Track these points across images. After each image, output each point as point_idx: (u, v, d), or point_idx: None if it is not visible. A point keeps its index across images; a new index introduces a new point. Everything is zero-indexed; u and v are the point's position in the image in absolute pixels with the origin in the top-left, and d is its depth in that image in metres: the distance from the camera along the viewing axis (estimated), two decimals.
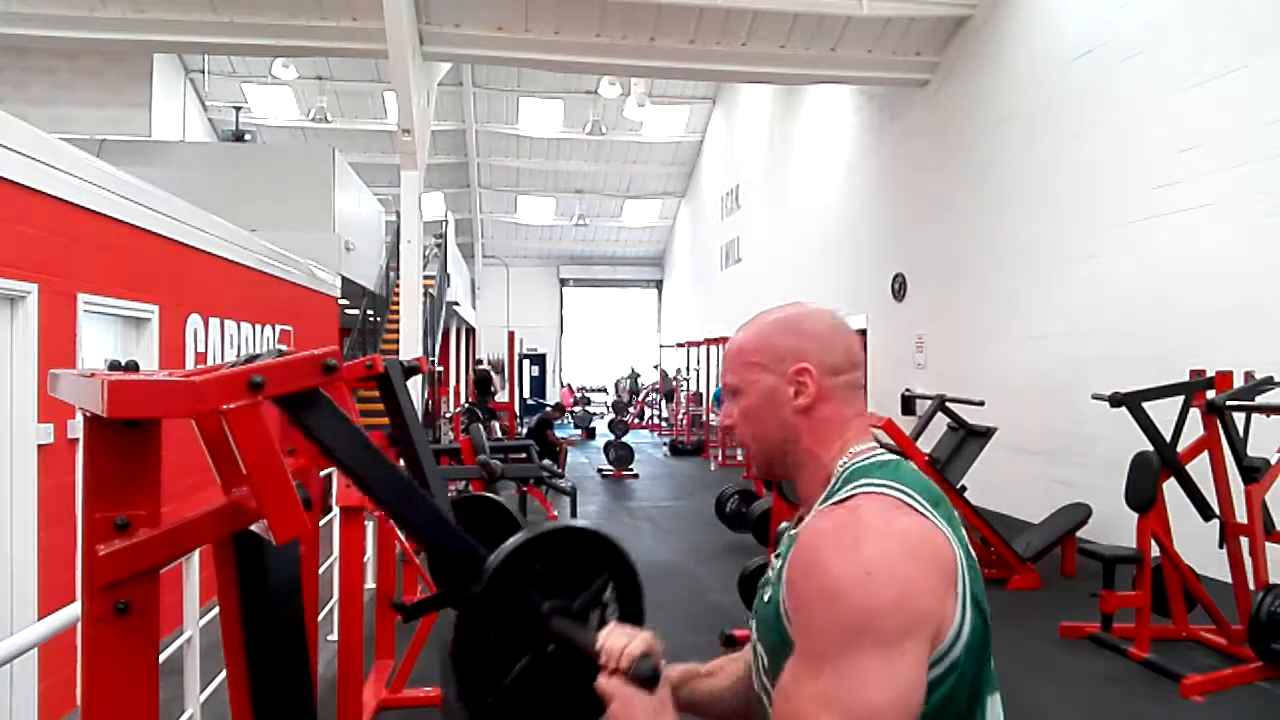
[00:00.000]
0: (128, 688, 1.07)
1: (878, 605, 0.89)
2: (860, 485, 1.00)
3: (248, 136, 15.92)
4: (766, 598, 1.08)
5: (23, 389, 3.58)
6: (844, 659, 0.89)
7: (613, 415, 15.65)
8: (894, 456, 1.07)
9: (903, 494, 0.97)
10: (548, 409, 13.10)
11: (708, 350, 15.92)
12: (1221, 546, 4.55)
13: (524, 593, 1.23)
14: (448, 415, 13.62)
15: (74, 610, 2.02)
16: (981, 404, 6.76)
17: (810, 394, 1.08)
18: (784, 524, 1.32)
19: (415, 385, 10.21)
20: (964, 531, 1.01)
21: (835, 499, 1.01)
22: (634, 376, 24.61)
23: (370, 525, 4.67)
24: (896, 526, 0.94)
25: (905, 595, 0.90)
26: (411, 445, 1.58)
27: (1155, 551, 4.65)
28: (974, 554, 1.01)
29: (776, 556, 1.11)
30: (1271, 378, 4.72)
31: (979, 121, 9.45)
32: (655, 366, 20.49)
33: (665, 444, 16.56)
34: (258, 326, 6.57)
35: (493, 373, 14.82)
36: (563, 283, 28.51)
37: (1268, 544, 4.32)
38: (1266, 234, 5.83)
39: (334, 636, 4.37)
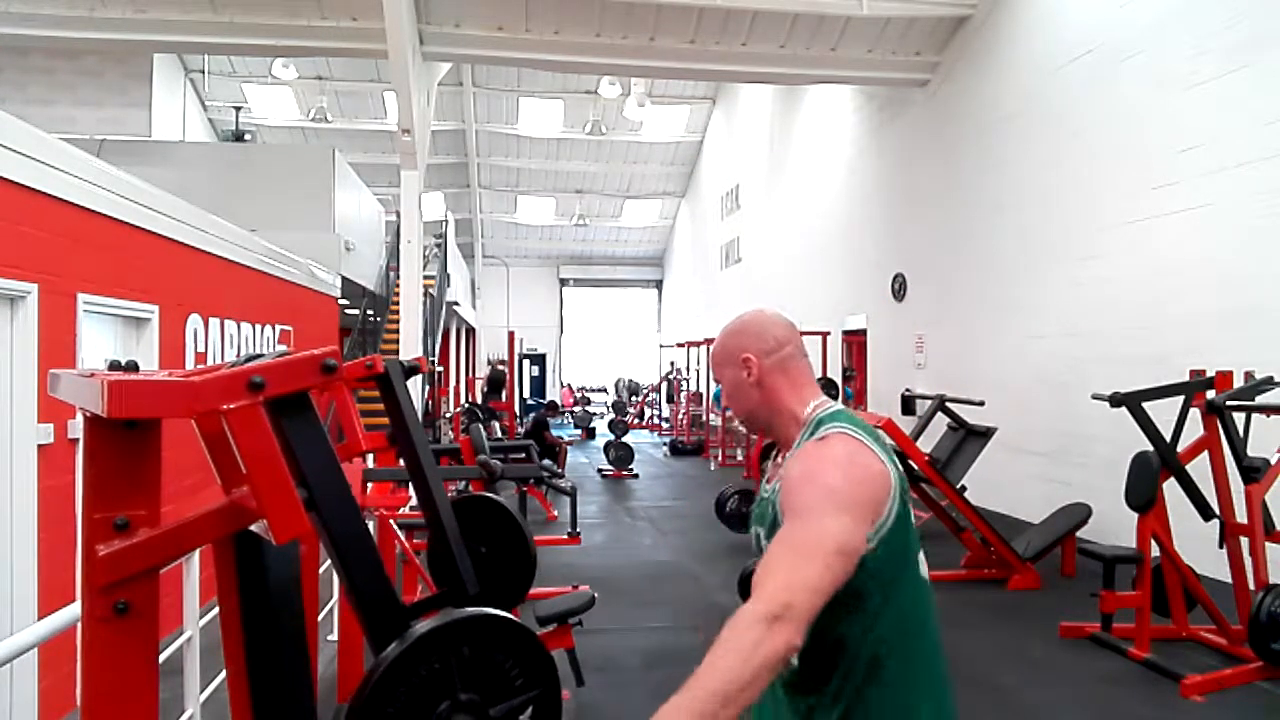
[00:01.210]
0: (128, 688, 1.07)
1: (836, 487, 1.32)
2: (831, 427, 1.43)
3: (248, 136, 15.92)
4: (763, 508, 1.51)
5: (23, 389, 3.58)
6: (807, 516, 1.29)
7: (612, 415, 15.65)
8: (838, 405, 1.53)
9: (858, 435, 1.41)
10: (543, 408, 13.08)
11: (708, 350, 15.92)
12: (1221, 546, 4.55)
13: (447, 673, 1.18)
14: (448, 415, 13.62)
15: (74, 610, 2.02)
16: (981, 404, 6.76)
17: (755, 373, 1.52)
18: (767, 462, 1.70)
19: (415, 385, 10.21)
20: (894, 459, 1.43)
21: (816, 437, 1.43)
22: (619, 385, 24.55)
23: (370, 525, 4.67)
24: (856, 453, 1.38)
25: (854, 488, 1.33)
26: (411, 445, 1.58)
27: (1155, 551, 4.65)
28: (903, 475, 1.44)
29: (767, 483, 1.55)
30: (1271, 378, 4.71)
31: (979, 121, 9.46)
32: (671, 370, 20.52)
33: (665, 444, 16.57)
34: (258, 326, 6.57)
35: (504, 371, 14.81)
36: (563, 283, 28.50)
37: (1268, 544, 4.32)
38: (1266, 234, 5.83)
39: (334, 636, 4.37)
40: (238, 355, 4.69)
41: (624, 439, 13.14)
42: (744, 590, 5.12)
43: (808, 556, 1.23)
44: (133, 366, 4.49)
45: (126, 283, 4.55)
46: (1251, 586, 4.34)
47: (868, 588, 1.35)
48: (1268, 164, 5.83)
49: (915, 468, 6.28)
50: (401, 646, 1.16)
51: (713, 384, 15.83)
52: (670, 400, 20.13)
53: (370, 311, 12.75)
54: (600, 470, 12.61)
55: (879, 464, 1.37)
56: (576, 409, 21.56)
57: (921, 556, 1.45)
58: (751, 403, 1.55)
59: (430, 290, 13.05)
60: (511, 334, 15.05)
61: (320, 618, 4.21)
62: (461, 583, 1.55)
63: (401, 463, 1.68)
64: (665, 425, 20.18)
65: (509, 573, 1.94)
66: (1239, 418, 4.64)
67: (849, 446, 1.38)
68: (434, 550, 1.78)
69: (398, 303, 11.56)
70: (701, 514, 8.54)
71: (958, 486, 6.31)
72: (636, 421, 19.39)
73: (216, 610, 1.43)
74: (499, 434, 11.64)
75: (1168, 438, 4.63)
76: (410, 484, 2.47)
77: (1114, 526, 6.24)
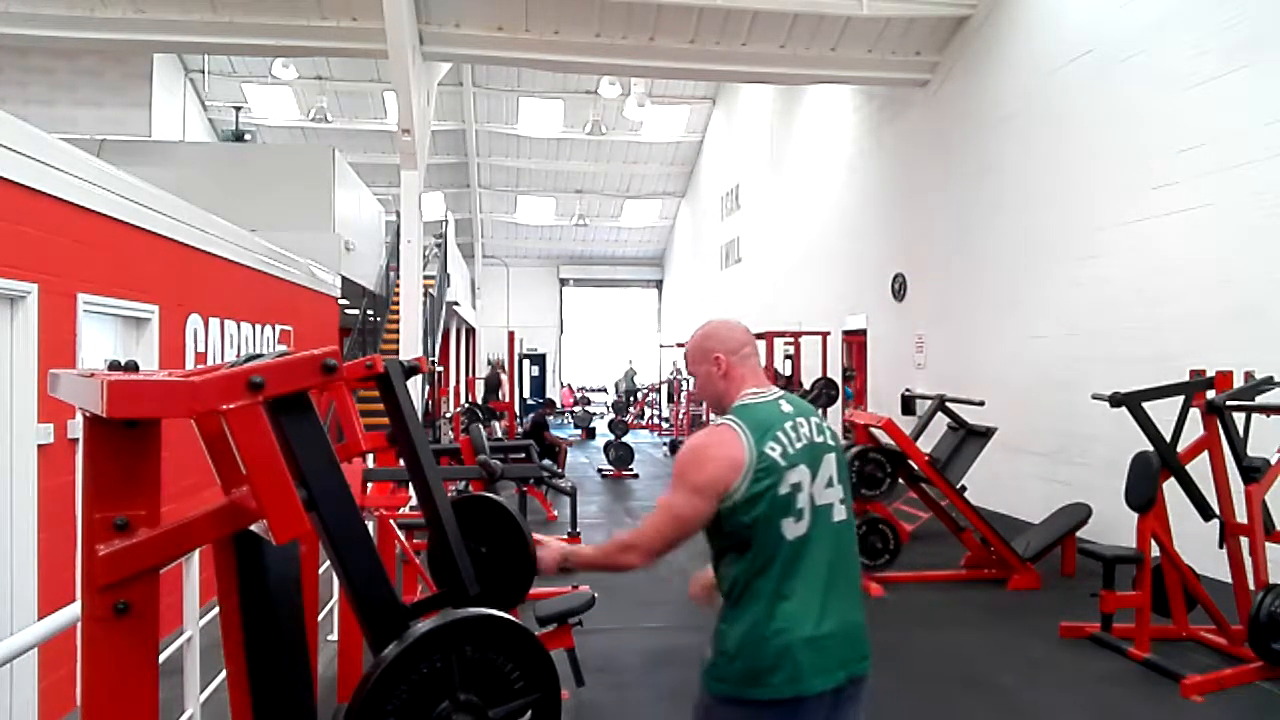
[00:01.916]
0: (128, 688, 1.07)
1: (688, 473, 1.88)
2: (726, 418, 1.93)
3: (248, 136, 15.92)
4: None
5: (23, 389, 3.58)
6: (670, 490, 1.91)
7: (612, 415, 15.65)
8: (755, 401, 1.95)
9: (735, 424, 1.88)
10: (541, 408, 13.08)
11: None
12: (1221, 546, 4.55)
13: (448, 672, 1.18)
14: (448, 415, 13.61)
15: (74, 610, 2.02)
16: (981, 404, 6.76)
17: (724, 368, 2.01)
18: None
19: (415, 385, 10.21)
20: (791, 435, 1.89)
21: (715, 423, 1.94)
22: (630, 375, 24.58)
23: (370, 525, 4.67)
24: (716, 444, 1.87)
25: (698, 473, 1.86)
26: (411, 445, 1.58)
27: (1155, 551, 4.65)
28: (790, 451, 1.87)
29: None
30: (1271, 378, 4.71)
31: (979, 121, 9.46)
32: (672, 371, 20.56)
33: (665, 444, 16.57)
34: (258, 326, 6.56)
35: (502, 374, 14.79)
36: (563, 283, 28.50)
37: (1268, 544, 4.32)
38: (1266, 234, 5.83)
39: (334, 636, 4.37)
40: (237, 355, 4.69)
41: (624, 439, 13.14)
42: None
43: (662, 520, 1.91)
44: (133, 366, 4.49)
45: (126, 283, 4.54)
46: (1251, 586, 4.34)
47: (738, 538, 1.85)
48: (1268, 164, 5.83)
49: (915, 468, 6.28)
50: (400, 647, 1.16)
51: None
52: (671, 400, 20.14)
53: (370, 311, 12.74)
54: (600, 470, 12.61)
55: (733, 451, 1.84)
56: (576, 409, 21.55)
57: (789, 521, 1.84)
58: (718, 391, 2.03)
59: (430, 290, 13.05)
60: (511, 334, 15.05)
61: (320, 618, 4.21)
62: (461, 583, 1.55)
63: (401, 463, 1.68)
64: (665, 425, 20.18)
65: (509, 573, 1.94)
66: (1239, 418, 4.64)
67: (716, 437, 1.88)
68: (434, 550, 1.78)
69: (398, 303, 11.56)
70: None
71: (958, 486, 6.31)
72: (636, 421, 19.40)
73: (216, 610, 1.43)
74: (499, 434, 11.64)
75: (1168, 438, 4.63)
76: (410, 484, 2.47)
77: (1114, 526, 6.24)
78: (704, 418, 16.04)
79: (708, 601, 2.06)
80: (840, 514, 1.91)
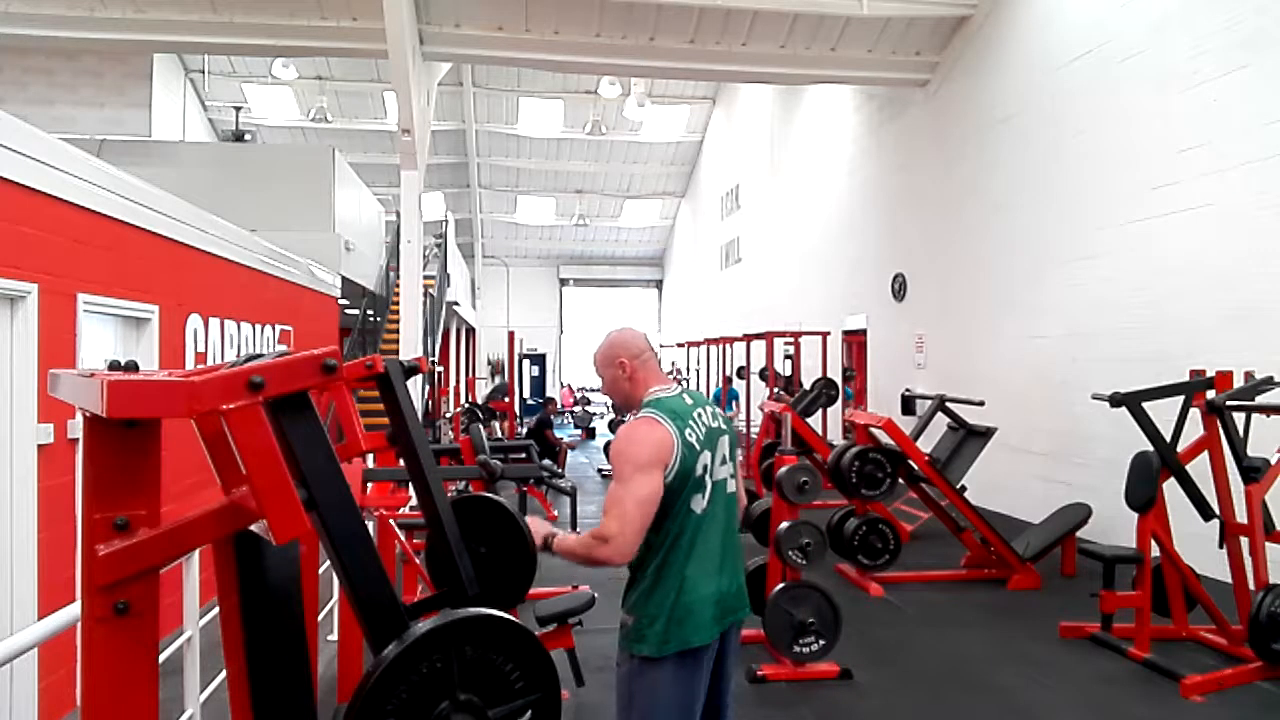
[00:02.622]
0: (128, 688, 1.07)
1: (632, 455, 2.12)
2: (643, 411, 2.22)
3: (248, 136, 15.91)
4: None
5: (23, 389, 3.58)
6: (624, 477, 2.12)
7: (612, 415, 15.65)
8: (664, 395, 2.25)
9: (655, 414, 2.17)
10: (544, 407, 13.08)
11: (708, 350, 15.92)
12: (1221, 546, 4.55)
13: (448, 672, 1.18)
14: (448, 415, 13.61)
15: (74, 610, 2.02)
16: (981, 404, 6.75)
17: (629, 371, 2.31)
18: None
19: (415, 385, 10.20)
20: (698, 422, 2.20)
21: (636, 416, 2.22)
22: None
23: (370, 525, 4.67)
24: (646, 429, 2.15)
25: (642, 450, 2.11)
26: (411, 445, 1.57)
27: (1155, 551, 4.65)
28: (700, 438, 2.18)
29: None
30: (1271, 378, 4.71)
31: (979, 121, 9.46)
32: (672, 371, 20.59)
33: None
34: (258, 326, 6.56)
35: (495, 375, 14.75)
36: (563, 283, 28.50)
37: (1268, 544, 4.32)
38: (1266, 234, 5.83)
39: (334, 636, 4.37)
40: (237, 355, 4.69)
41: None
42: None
43: (625, 507, 2.07)
44: (133, 366, 4.49)
45: (126, 283, 4.54)
46: (1251, 586, 4.34)
47: (661, 515, 2.12)
48: (1268, 164, 5.83)
49: (915, 468, 6.28)
50: (400, 647, 1.16)
51: (713, 384, 15.85)
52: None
53: (370, 311, 12.74)
54: (600, 470, 12.61)
55: (662, 432, 2.12)
56: (576, 409, 21.56)
57: (697, 497, 2.16)
58: (624, 391, 2.33)
59: (430, 290, 13.05)
60: (511, 334, 15.05)
61: (320, 618, 4.20)
62: (461, 583, 1.55)
63: (401, 463, 1.68)
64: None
65: (509, 573, 1.93)
66: (1239, 418, 4.64)
67: (644, 425, 2.15)
68: (433, 550, 1.78)
69: (398, 303, 11.55)
70: None
71: (958, 486, 6.31)
72: None
73: (216, 610, 1.43)
74: (499, 434, 11.64)
75: (1168, 438, 4.63)
76: (410, 484, 2.47)
77: (1114, 526, 6.24)
78: None
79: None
80: (730, 487, 2.27)
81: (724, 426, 2.30)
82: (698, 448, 2.16)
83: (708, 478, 2.18)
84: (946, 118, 10.18)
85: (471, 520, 1.88)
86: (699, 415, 2.22)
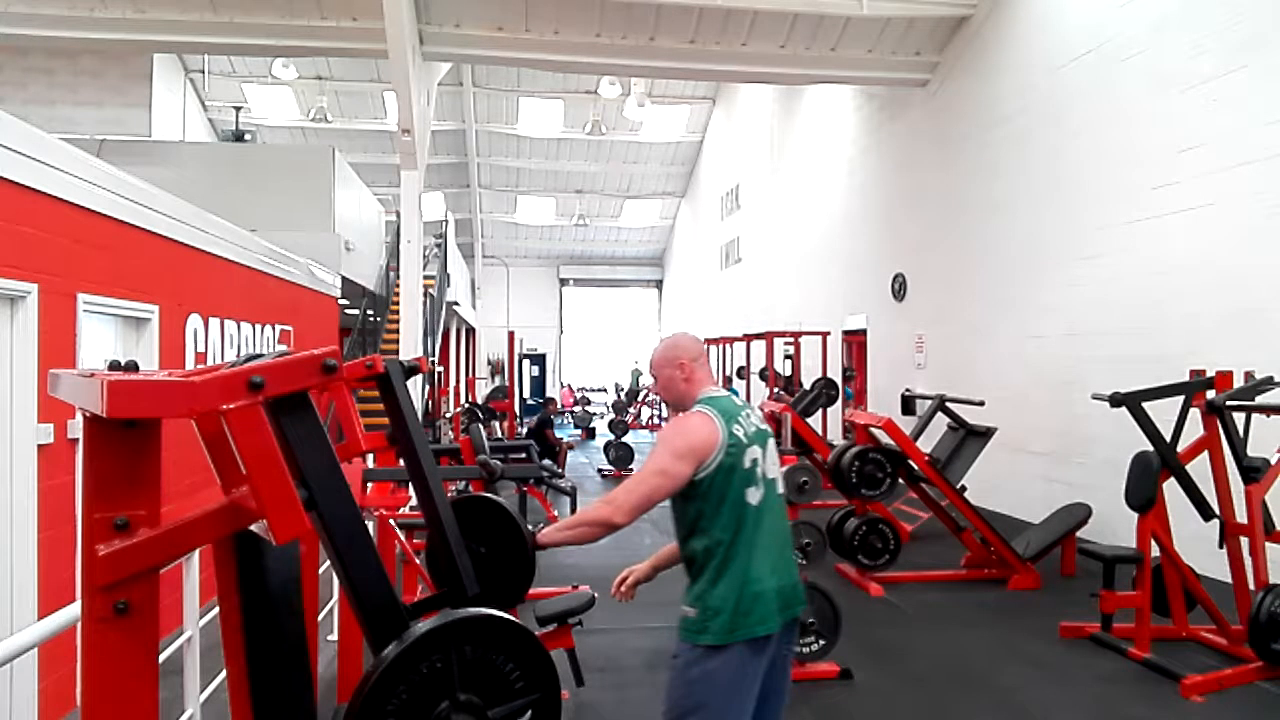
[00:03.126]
0: (128, 688, 1.07)
1: (672, 441, 2.26)
2: (697, 407, 2.32)
3: (248, 136, 15.90)
4: None
5: (23, 389, 3.58)
6: (652, 457, 2.27)
7: (612, 415, 15.65)
8: (717, 395, 2.37)
9: (709, 411, 2.28)
10: (544, 407, 13.08)
11: (708, 350, 15.94)
12: (1221, 546, 4.55)
13: (448, 672, 1.18)
14: (448, 415, 13.61)
15: (74, 610, 2.02)
16: (981, 404, 6.75)
17: (687, 372, 2.44)
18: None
19: (415, 385, 10.21)
20: (746, 421, 2.32)
21: (690, 411, 2.34)
22: (636, 375, 24.56)
23: (370, 525, 4.67)
24: (697, 424, 2.26)
25: (682, 441, 2.24)
26: (411, 446, 1.57)
27: (1155, 551, 4.65)
28: (748, 434, 2.29)
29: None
30: (1271, 378, 4.71)
31: (979, 121, 9.45)
32: None
33: None
34: (258, 326, 6.56)
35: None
36: (563, 283, 28.49)
37: (1268, 544, 4.32)
38: (1266, 234, 5.83)
39: (334, 636, 4.37)
40: (238, 355, 4.69)
41: (624, 439, 13.14)
42: None
43: (641, 478, 2.24)
44: (133, 366, 4.49)
45: (126, 283, 4.54)
46: (1251, 586, 4.34)
47: (713, 504, 2.22)
48: (1268, 164, 5.83)
49: (915, 468, 6.28)
50: (400, 647, 1.16)
51: None
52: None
53: (370, 311, 12.74)
54: (600, 470, 12.60)
55: (710, 429, 2.23)
56: (576, 409, 21.55)
57: (752, 490, 2.24)
58: (680, 391, 2.44)
59: (430, 290, 13.04)
60: (511, 334, 15.05)
61: (320, 618, 4.21)
62: (461, 583, 1.55)
63: (401, 463, 1.67)
64: (665, 425, 20.17)
65: (508, 573, 1.93)
66: (1239, 418, 4.64)
67: (695, 420, 2.27)
68: (433, 551, 1.78)
69: (398, 303, 11.55)
70: None
71: (958, 486, 6.31)
72: (636, 421, 19.40)
73: (216, 610, 1.43)
74: (499, 434, 11.63)
75: (1168, 438, 4.63)
76: (410, 484, 2.47)
77: (1114, 526, 6.24)
78: None
79: (627, 597, 2.55)
80: (780, 487, 2.36)
81: (768, 431, 2.41)
82: (745, 441, 2.26)
83: (759, 471, 2.27)
84: (946, 118, 10.18)
85: (471, 520, 1.88)
86: (747, 415, 2.34)
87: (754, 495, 2.25)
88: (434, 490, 1.57)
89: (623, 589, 2.56)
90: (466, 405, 13.08)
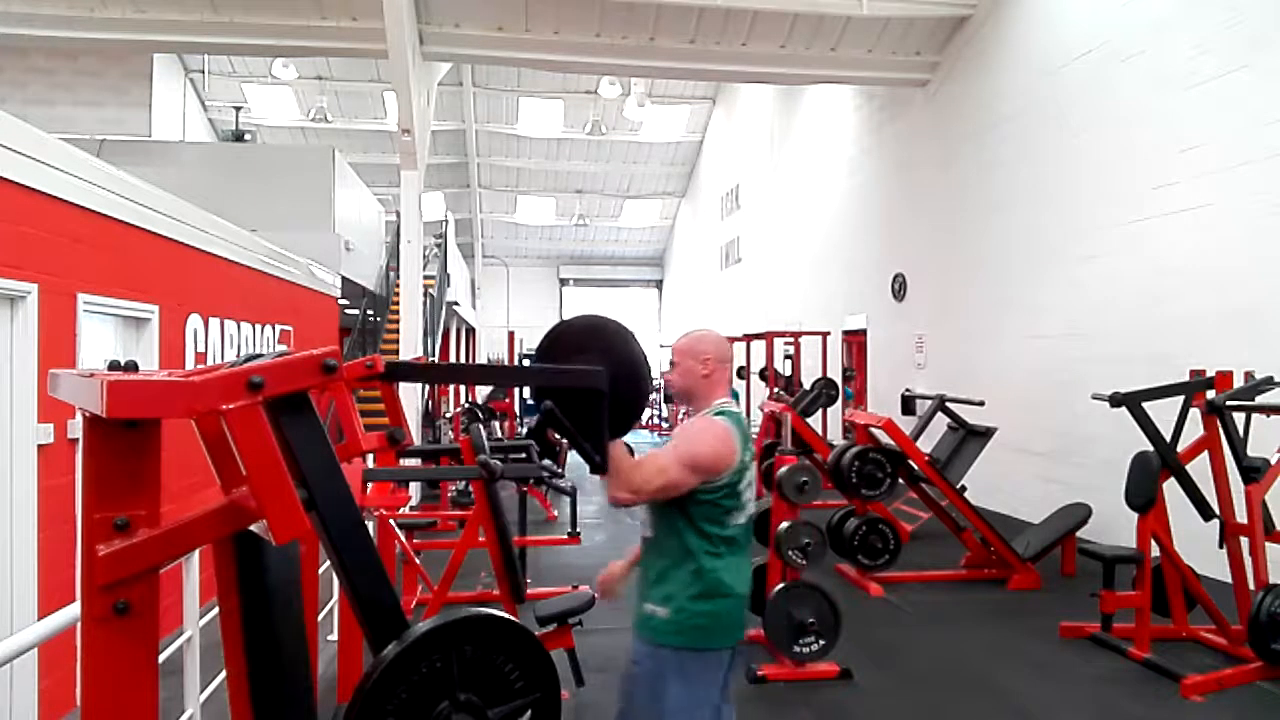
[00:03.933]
0: (128, 688, 1.07)
1: (694, 449, 2.21)
2: (722, 416, 2.30)
3: (248, 136, 15.90)
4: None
5: (23, 389, 3.58)
6: (683, 445, 2.23)
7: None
8: (736, 411, 2.35)
9: (734, 431, 2.26)
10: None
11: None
12: (1221, 546, 4.55)
13: (447, 672, 1.18)
14: (448, 415, 13.60)
15: (74, 610, 2.02)
16: (981, 404, 6.76)
17: (710, 370, 2.37)
18: (746, 454, 2.34)
19: (415, 385, 10.20)
20: (750, 447, 2.31)
21: (714, 413, 2.32)
22: None
23: (370, 525, 4.67)
24: (722, 438, 2.23)
25: (700, 455, 2.20)
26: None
27: (1155, 551, 4.65)
28: (749, 458, 2.30)
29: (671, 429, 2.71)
30: (1271, 378, 4.71)
31: (979, 121, 9.45)
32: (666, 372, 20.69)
33: (664, 443, 16.55)
34: (258, 326, 6.56)
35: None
36: (563, 283, 28.49)
37: (1268, 544, 4.32)
38: (1266, 234, 5.83)
39: (334, 636, 4.37)
40: (237, 355, 4.69)
41: (624, 439, 13.11)
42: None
43: (663, 469, 2.17)
44: (132, 366, 4.49)
45: (126, 283, 4.54)
46: (1251, 586, 4.34)
47: (706, 519, 2.21)
48: (1268, 164, 5.83)
49: (915, 468, 6.28)
50: (400, 647, 1.16)
51: None
52: (669, 401, 20.12)
53: (370, 311, 12.74)
54: None
55: (729, 447, 2.22)
56: None
57: (739, 512, 2.26)
58: (694, 386, 2.38)
59: (430, 290, 13.04)
60: (511, 334, 15.05)
61: (320, 618, 4.21)
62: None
63: (401, 463, 1.65)
64: (665, 425, 20.18)
65: None
66: (1239, 418, 4.64)
67: (722, 431, 2.24)
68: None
69: (398, 303, 11.55)
70: None
71: (958, 486, 6.31)
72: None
73: (216, 610, 1.43)
74: (499, 434, 11.63)
75: (1168, 438, 4.63)
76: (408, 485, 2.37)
77: (1114, 526, 6.24)
78: None
79: (613, 595, 2.50)
80: (752, 508, 2.35)
81: (754, 453, 2.46)
82: (748, 472, 2.29)
83: (747, 495, 2.29)
84: (946, 118, 10.18)
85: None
86: (752, 437, 2.38)
87: (739, 517, 2.27)
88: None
89: (606, 591, 2.52)
90: (466, 405, 13.07)
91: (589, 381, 1.79)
